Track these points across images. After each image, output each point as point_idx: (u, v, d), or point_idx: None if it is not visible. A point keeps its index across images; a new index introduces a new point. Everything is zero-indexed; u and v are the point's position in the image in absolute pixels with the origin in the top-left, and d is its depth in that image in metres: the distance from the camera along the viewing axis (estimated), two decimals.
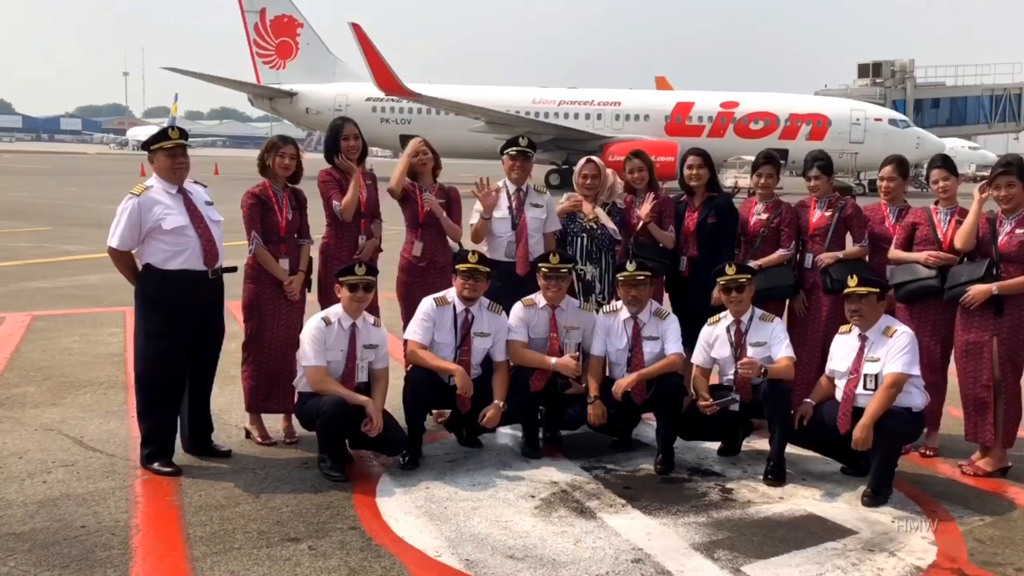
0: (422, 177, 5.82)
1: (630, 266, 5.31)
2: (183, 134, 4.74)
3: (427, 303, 5.21)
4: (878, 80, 48.43)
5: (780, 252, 5.75)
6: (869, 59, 49.86)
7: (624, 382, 5.13)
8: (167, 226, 4.55)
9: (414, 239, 5.75)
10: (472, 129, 36.04)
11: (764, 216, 5.84)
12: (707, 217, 5.90)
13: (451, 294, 5.23)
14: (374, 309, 5.34)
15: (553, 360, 5.21)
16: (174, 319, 4.61)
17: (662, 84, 50.66)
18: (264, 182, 5.30)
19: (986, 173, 5.31)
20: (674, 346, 5.27)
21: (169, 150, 4.60)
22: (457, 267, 5.19)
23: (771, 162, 5.98)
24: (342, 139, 5.57)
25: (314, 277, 5.55)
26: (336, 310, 4.90)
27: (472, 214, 5.85)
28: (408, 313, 5.51)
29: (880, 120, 37.72)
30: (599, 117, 38.54)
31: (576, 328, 5.42)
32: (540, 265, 5.33)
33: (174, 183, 4.64)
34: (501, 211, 5.80)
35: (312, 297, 5.53)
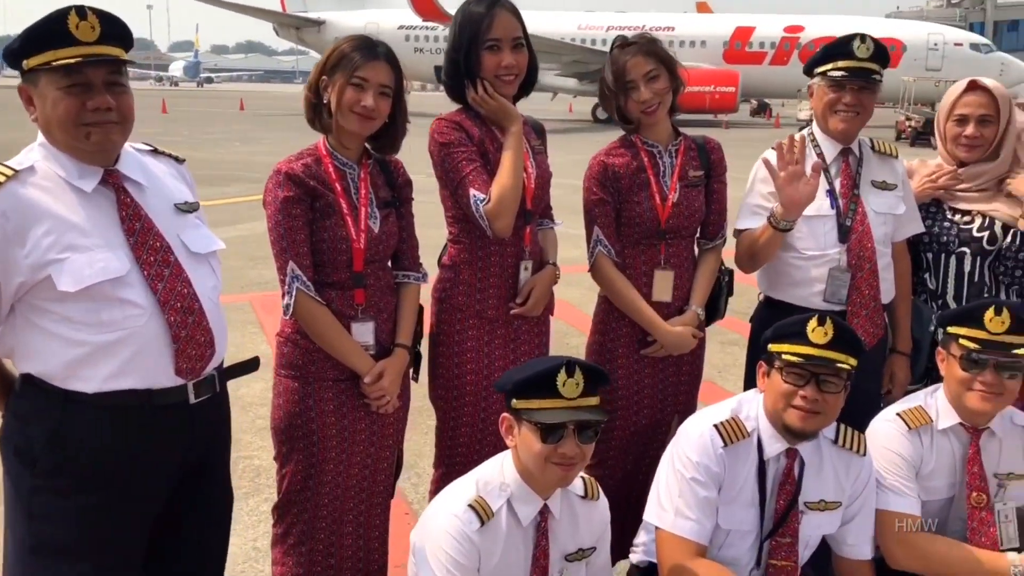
0: (646, 127, 3.07)
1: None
2: (108, 27, 2.02)
3: (698, 443, 2.50)
4: (955, 1, 44.64)
5: None
6: None
7: None
8: (70, 282, 1.98)
9: (652, 264, 3.06)
10: None
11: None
12: None
13: (749, 413, 2.57)
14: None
15: (1012, 557, 2.57)
16: (101, 508, 2.08)
17: (703, 9, 47.32)
18: (316, 146, 2.66)
19: None
20: None
21: (69, 71, 1.98)
22: (779, 349, 2.46)
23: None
24: (485, 47, 2.81)
25: (424, 349, 2.93)
26: (497, 476, 2.29)
27: (742, 207, 3.16)
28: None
29: (960, 45, 34.78)
30: None
31: (1020, 478, 2.73)
32: (954, 332, 2.64)
33: (92, 161, 2.07)
34: (816, 199, 2.99)
35: (420, 396, 2.98)
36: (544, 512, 2.27)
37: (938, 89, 32.63)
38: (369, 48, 2.57)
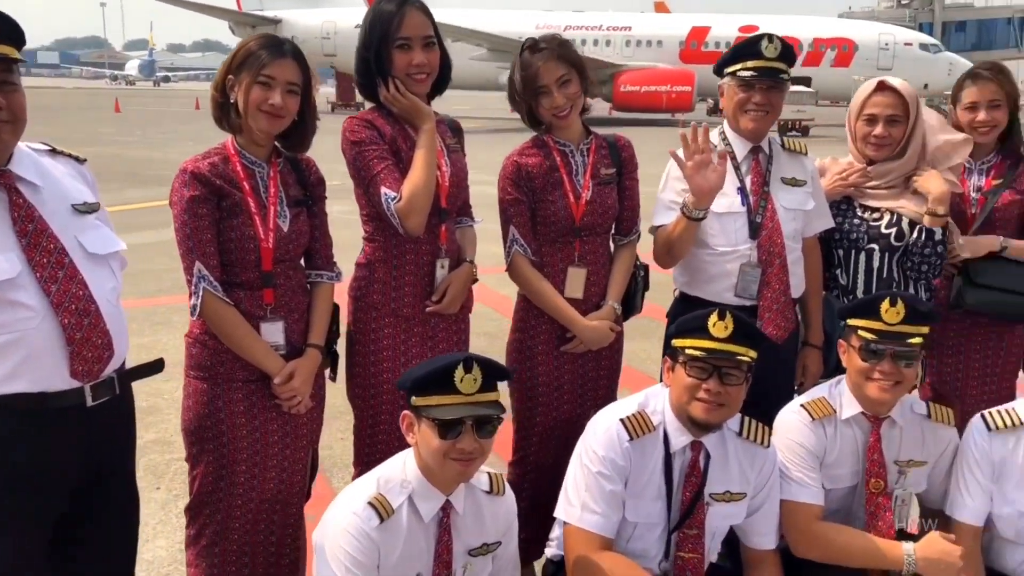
0: (559, 129, 3.11)
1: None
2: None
3: (604, 437, 2.54)
4: (904, 2, 45.50)
5: None
6: None
7: None
8: None
9: (567, 261, 3.10)
10: (473, 57, 33.60)
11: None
12: None
13: (656, 407, 2.61)
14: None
15: (906, 547, 2.61)
16: None
17: (661, 9, 47.69)
18: (224, 145, 2.65)
19: None
20: None
21: None
22: (682, 344, 2.50)
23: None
24: (396, 45, 2.81)
25: (341, 349, 2.95)
26: (399, 474, 2.31)
27: (657, 204, 3.17)
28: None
29: (910, 44, 35.52)
30: (608, 43, 36.14)
31: (920, 464, 2.83)
32: (854, 324, 2.70)
33: None
34: (726, 192, 3.06)
35: (336, 392, 3.02)
36: (447, 508, 2.29)
37: None
38: (275, 46, 2.57)
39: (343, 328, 2.94)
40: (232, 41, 43.65)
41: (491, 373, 2.21)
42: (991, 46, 46.18)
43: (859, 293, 3.25)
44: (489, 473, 2.41)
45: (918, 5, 45.36)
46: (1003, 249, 3.31)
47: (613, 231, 3.22)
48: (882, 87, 3.21)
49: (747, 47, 3.05)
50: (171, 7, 41.94)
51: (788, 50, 3.05)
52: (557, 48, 3.00)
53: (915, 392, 2.83)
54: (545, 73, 2.97)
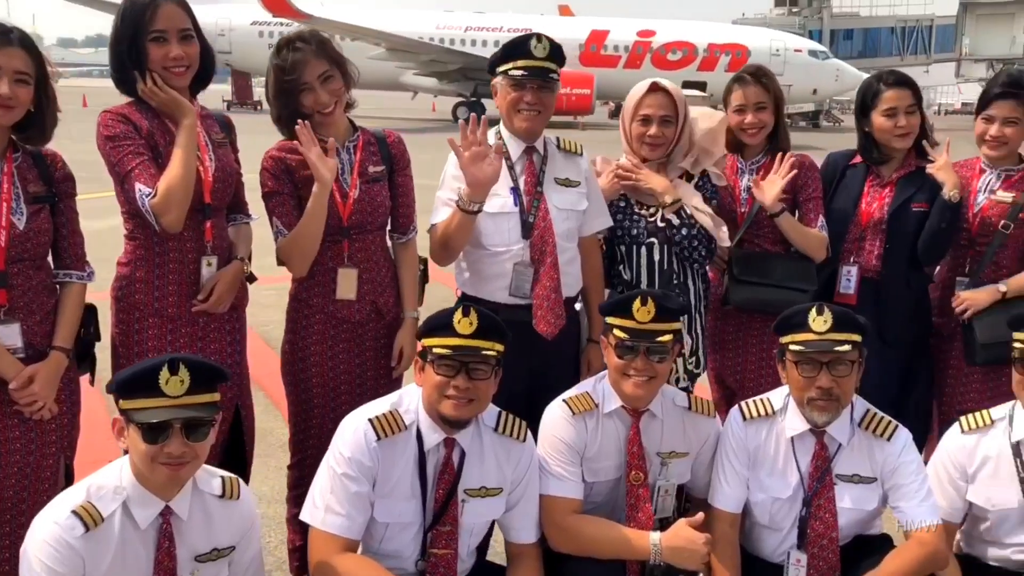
0: (325, 126, 3.01)
1: (819, 319, 2.66)
2: None
3: (351, 438, 2.52)
4: (795, 9, 47.05)
5: None
6: None
7: None
8: None
9: (336, 261, 3.06)
10: (371, 56, 33.24)
11: (1007, 196, 3.42)
12: (912, 199, 3.41)
13: (409, 406, 2.61)
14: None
15: (652, 537, 2.69)
16: None
17: (565, 12, 48.27)
18: None
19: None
20: (922, 507, 2.72)
21: None
22: (429, 343, 2.53)
23: (1017, 89, 3.38)
24: (150, 38, 2.73)
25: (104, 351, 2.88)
26: (114, 480, 2.21)
27: (436, 202, 3.16)
28: (298, 419, 3.15)
29: (800, 51, 36.62)
30: None
31: (682, 455, 2.91)
32: (610, 323, 2.76)
33: None
34: (499, 192, 3.09)
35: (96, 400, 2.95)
36: (166, 513, 2.22)
37: None
38: (1, 34, 2.46)
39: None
40: None
41: (203, 374, 2.16)
42: (876, 53, 48.29)
43: (643, 287, 3.32)
44: (223, 477, 2.35)
45: (808, 13, 47.00)
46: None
47: (390, 229, 3.20)
48: (654, 88, 3.28)
49: (517, 47, 3.07)
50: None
51: (557, 50, 3.09)
52: (317, 45, 2.97)
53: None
54: (307, 70, 2.93)
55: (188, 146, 2.74)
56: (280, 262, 3.04)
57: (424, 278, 3.32)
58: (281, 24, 35.19)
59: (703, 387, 3.75)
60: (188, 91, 2.85)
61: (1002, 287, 3.35)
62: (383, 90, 35.23)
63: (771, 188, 3.34)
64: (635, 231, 3.33)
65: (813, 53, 36.92)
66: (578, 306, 3.32)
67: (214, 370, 2.21)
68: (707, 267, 3.42)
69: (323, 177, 2.85)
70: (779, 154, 3.44)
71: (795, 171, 3.38)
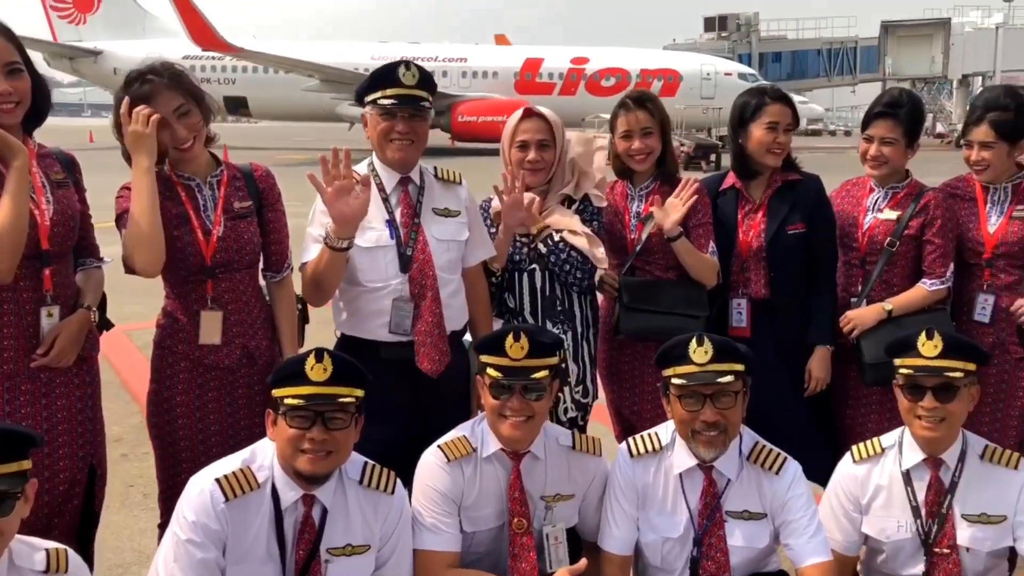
0: (184, 162, 2.87)
1: (699, 350, 2.56)
2: None
3: (196, 500, 2.33)
4: (724, 34, 47.93)
5: (928, 286, 3.30)
6: (715, 12, 49.44)
7: None
8: None
9: (200, 304, 2.86)
10: (306, 88, 33.03)
11: (892, 214, 3.36)
12: (786, 222, 3.35)
13: (263, 462, 2.42)
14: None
15: None
16: None
17: (501, 42, 48.69)
18: None
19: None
20: (811, 543, 2.62)
21: None
22: (280, 394, 2.35)
23: (895, 110, 3.32)
24: None
25: None
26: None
27: (306, 239, 3.00)
28: (166, 475, 2.95)
29: (730, 74, 37.41)
30: (444, 75, 36.19)
31: (568, 498, 2.78)
32: (484, 361, 2.63)
33: None
34: (374, 226, 2.99)
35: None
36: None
37: (706, 116, 35.12)
38: None
39: None
40: (62, 73, 41.10)
41: (5, 442, 1.94)
42: (804, 75, 49.58)
43: (527, 314, 3.21)
44: (47, 550, 2.12)
45: (737, 37, 48.01)
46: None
47: (263, 267, 3.01)
48: (529, 114, 3.18)
49: (385, 75, 2.93)
50: None
51: (427, 77, 2.95)
52: (170, 77, 2.78)
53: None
54: (160, 104, 2.74)
55: (18, 190, 2.52)
56: (128, 269, 2.76)
57: (304, 318, 3.13)
58: (213, 58, 34.89)
59: (604, 415, 3.62)
60: (20, 129, 2.64)
61: (887, 306, 3.29)
62: (319, 121, 34.97)
63: (675, 212, 3.23)
64: (517, 257, 3.22)
65: (743, 76, 37.66)
66: (467, 339, 3.17)
67: (21, 436, 1.99)
68: (597, 293, 3.30)
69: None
70: (682, 180, 3.34)
71: (696, 196, 3.28)
